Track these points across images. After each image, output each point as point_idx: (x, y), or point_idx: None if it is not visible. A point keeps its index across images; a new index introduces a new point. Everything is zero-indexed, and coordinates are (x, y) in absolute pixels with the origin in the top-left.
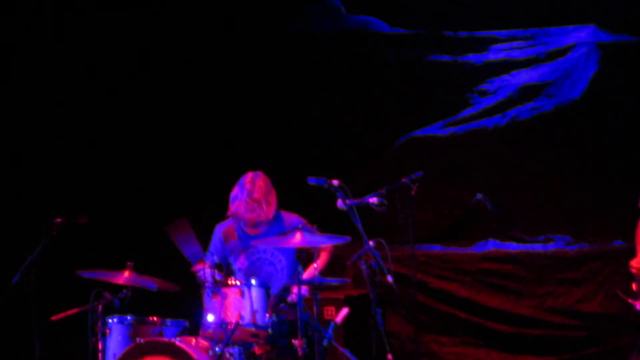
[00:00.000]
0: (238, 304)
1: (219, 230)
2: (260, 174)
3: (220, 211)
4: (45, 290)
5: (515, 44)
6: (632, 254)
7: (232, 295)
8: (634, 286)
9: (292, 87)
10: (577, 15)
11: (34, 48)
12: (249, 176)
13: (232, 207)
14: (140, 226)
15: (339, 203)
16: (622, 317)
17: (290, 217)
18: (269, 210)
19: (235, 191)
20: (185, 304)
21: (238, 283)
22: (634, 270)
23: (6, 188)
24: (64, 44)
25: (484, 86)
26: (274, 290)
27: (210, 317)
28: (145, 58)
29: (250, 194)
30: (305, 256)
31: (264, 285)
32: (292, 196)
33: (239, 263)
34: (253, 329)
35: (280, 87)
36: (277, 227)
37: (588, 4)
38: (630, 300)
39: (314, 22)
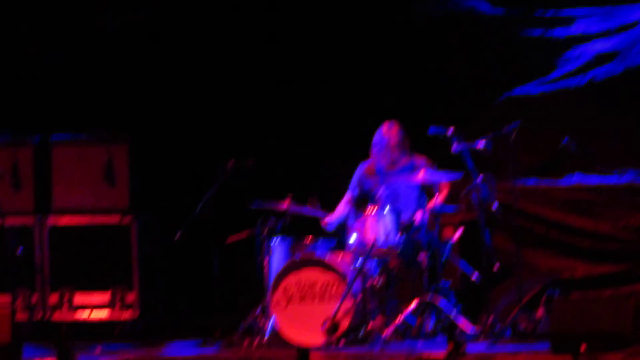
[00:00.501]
0: (375, 227)
1: (362, 167)
2: (394, 123)
3: (362, 153)
4: (222, 219)
5: (591, 19)
6: None
7: (370, 219)
8: None
9: (417, 57)
10: None
11: None
12: (385, 125)
13: (374, 150)
14: (297, 166)
15: (454, 147)
16: None
17: (418, 158)
18: (401, 153)
19: (376, 137)
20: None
21: (374, 211)
22: None
23: (189, 137)
24: None
25: (567, 54)
26: (405, 216)
27: (353, 238)
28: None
29: (388, 141)
30: (430, 189)
31: (395, 212)
32: (419, 140)
33: (379, 193)
34: (386, 247)
35: (408, 56)
36: (409, 166)
37: None
38: None
39: (434, 6)
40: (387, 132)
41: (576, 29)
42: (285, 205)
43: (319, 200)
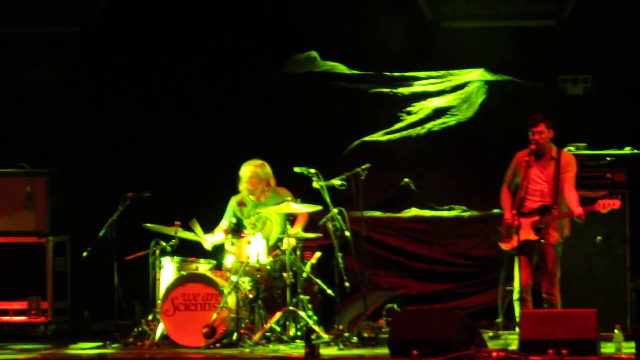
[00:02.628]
0: (247, 249)
1: (234, 200)
2: (261, 161)
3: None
4: (122, 241)
5: (431, 80)
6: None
7: (244, 243)
8: (497, 233)
9: (287, 109)
10: (470, 62)
11: None
12: (252, 163)
13: (243, 184)
14: (183, 198)
15: (314, 184)
16: (497, 258)
17: (282, 191)
18: (267, 187)
19: (242, 172)
20: (214, 249)
21: (247, 236)
22: (508, 221)
23: (97, 172)
24: None
25: (410, 108)
26: (271, 240)
27: (229, 258)
28: None
29: (255, 176)
30: (292, 218)
31: (264, 237)
32: (283, 178)
33: (248, 221)
34: (257, 265)
35: (276, 109)
36: (273, 198)
37: (477, 56)
38: (497, 241)
39: (300, 66)
40: (252, 168)
41: (418, 88)
42: (174, 229)
43: (197, 224)
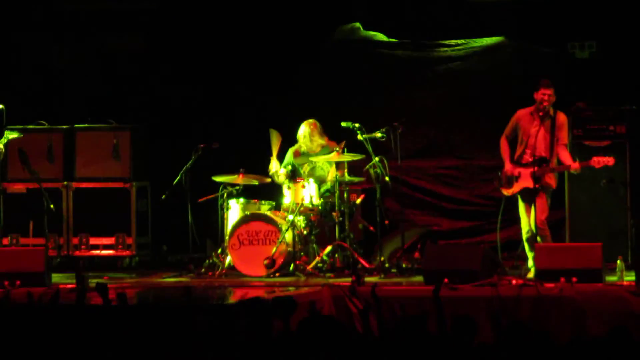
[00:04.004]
0: (301, 191)
1: (291, 150)
2: (313, 120)
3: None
4: (194, 185)
5: (457, 47)
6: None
7: (299, 187)
8: (499, 180)
9: (336, 72)
10: (491, 32)
11: None
12: (307, 121)
13: (300, 138)
14: (246, 149)
15: (358, 136)
16: (514, 199)
17: (332, 143)
18: (319, 140)
19: (301, 129)
20: (273, 192)
21: (302, 181)
22: (507, 171)
23: (172, 127)
24: None
25: (441, 70)
26: (322, 185)
27: (286, 200)
28: None
29: (310, 131)
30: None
31: (317, 182)
32: (331, 131)
33: (304, 169)
34: (310, 206)
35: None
36: (325, 149)
37: (497, 26)
38: (499, 188)
39: (346, 35)
40: (309, 126)
41: (445, 53)
42: (239, 176)
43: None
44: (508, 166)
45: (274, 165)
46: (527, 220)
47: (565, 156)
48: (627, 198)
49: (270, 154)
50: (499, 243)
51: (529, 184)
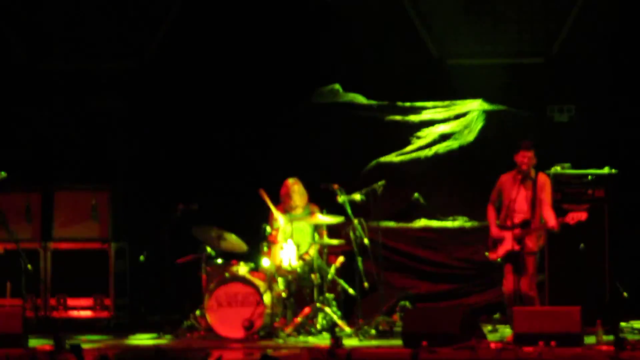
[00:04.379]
0: (280, 253)
1: (278, 208)
2: (297, 179)
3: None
4: (173, 246)
5: (437, 109)
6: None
7: (277, 248)
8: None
9: (314, 134)
10: (471, 94)
11: None
12: (290, 181)
13: (282, 198)
14: (225, 208)
15: (338, 198)
16: (494, 263)
17: (313, 206)
18: (301, 202)
19: (283, 189)
20: (252, 253)
21: (281, 242)
22: (493, 235)
23: (152, 187)
24: None
25: (419, 134)
26: (302, 247)
27: (265, 261)
28: None
29: (292, 192)
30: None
31: (296, 244)
32: (313, 195)
33: (284, 230)
34: (289, 268)
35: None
36: (305, 210)
37: (476, 88)
38: (485, 252)
39: (325, 97)
40: (292, 186)
41: (425, 116)
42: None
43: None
44: (494, 230)
45: (280, 221)
46: (507, 284)
47: (549, 216)
48: (605, 261)
49: (269, 210)
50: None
51: (513, 246)
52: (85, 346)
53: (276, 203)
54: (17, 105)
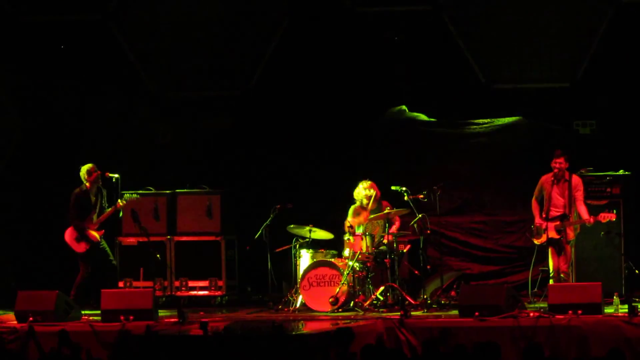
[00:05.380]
0: (360, 243)
1: (356, 209)
2: (371, 182)
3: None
4: (273, 238)
5: (484, 125)
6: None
7: (357, 239)
8: (530, 232)
9: (386, 145)
10: (511, 111)
11: None
12: (365, 183)
13: (358, 198)
14: (314, 208)
15: (405, 197)
16: (532, 248)
17: (384, 203)
18: (375, 200)
19: (359, 189)
20: (336, 243)
21: (360, 234)
22: (537, 224)
23: (253, 191)
24: None
25: (471, 144)
26: (377, 237)
27: (347, 250)
28: None
29: (367, 193)
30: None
31: (372, 235)
32: (385, 194)
33: (362, 224)
34: (366, 254)
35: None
36: (378, 207)
37: (515, 107)
38: (530, 238)
39: (394, 115)
40: (367, 188)
41: (475, 129)
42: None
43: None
44: (537, 220)
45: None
46: (554, 263)
47: (583, 211)
48: (621, 245)
49: (339, 224)
50: (530, 280)
51: (554, 235)
52: (204, 319)
53: (352, 202)
54: (147, 127)
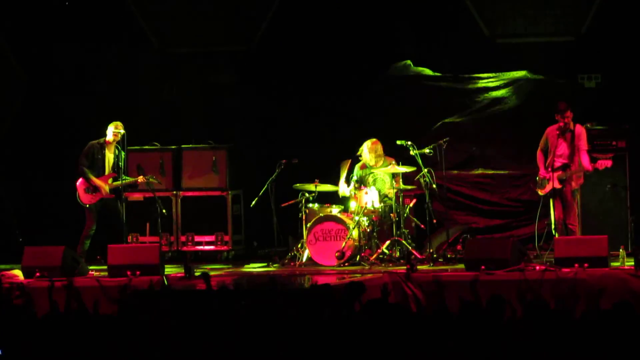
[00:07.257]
0: (365, 197)
1: (358, 165)
2: (375, 140)
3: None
4: (278, 193)
5: (490, 79)
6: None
7: (363, 193)
8: (534, 183)
9: (391, 101)
10: (517, 66)
11: None
12: (370, 140)
13: (364, 154)
14: (319, 163)
15: (410, 152)
16: (537, 201)
17: (389, 159)
18: (381, 156)
19: (364, 147)
20: (343, 198)
21: (365, 188)
22: (541, 176)
23: (260, 146)
24: None
25: (476, 99)
26: (382, 192)
27: (353, 204)
28: None
29: (373, 149)
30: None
31: (377, 189)
32: (391, 149)
33: (367, 179)
34: (372, 209)
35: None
36: (384, 162)
37: (521, 61)
38: (535, 189)
39: (399, 71)
40: (372, 144)
41: (480, 85)
42: (314, 184)
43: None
44: (542, 172)
45: (340, 187)
46: (556, 214)
47: (584, 159)
48: (627, 199)
49: (338, 179)
50: (537, 233)
51: (557, 185)
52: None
53: (358, 157)
54: (151, 82)
